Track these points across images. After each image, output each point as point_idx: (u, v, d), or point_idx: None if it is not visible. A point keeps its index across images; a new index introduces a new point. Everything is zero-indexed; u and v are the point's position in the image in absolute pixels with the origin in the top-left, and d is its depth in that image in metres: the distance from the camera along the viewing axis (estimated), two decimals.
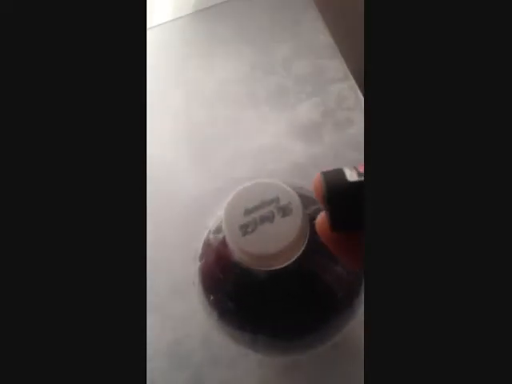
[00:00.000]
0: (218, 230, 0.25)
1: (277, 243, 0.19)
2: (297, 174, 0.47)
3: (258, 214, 0.19)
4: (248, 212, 0.19)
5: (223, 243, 0.20)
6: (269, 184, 0.19)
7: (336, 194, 0.18)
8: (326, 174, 0.19)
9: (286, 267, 0.20)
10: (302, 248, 0.19)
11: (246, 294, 0.24)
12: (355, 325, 0.29)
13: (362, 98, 0.50)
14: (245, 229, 0.19)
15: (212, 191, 0.45)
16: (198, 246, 0.27)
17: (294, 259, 0.20)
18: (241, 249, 0.19)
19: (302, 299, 0.24)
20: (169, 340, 0.40)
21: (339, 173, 0.19)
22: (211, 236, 0.26)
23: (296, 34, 0.53)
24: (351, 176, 0.18)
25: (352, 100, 0.50)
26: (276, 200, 0.19)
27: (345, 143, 0.48)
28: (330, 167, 0.47)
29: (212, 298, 0.25)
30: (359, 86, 0.50)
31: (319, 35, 0.53)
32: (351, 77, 0.51)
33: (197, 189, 0.46)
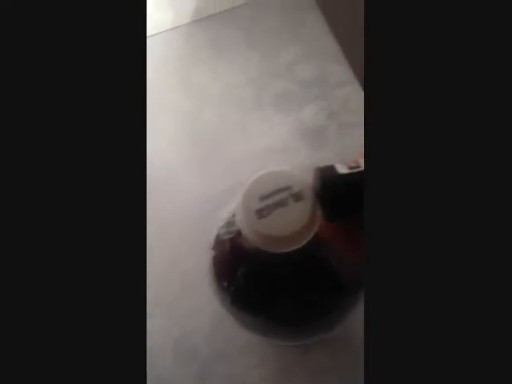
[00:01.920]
0: (231, 224, 0.26)
1: (290, 226, 0.20)
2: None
3: (272, 199, 0.20)
4: (264, 198, 0.20)
5: (237, 233, 0.21)
6: (283, 172, 0.21)
7: (326, 184, 0.20)
8: (318, 169, 0.20)
9: (296, 252, 0.21)
10: (313, 232, 0.20)
11: (257, 279, 0.25)
12: (359, 314, 0.29)
13: None
14: (260, 213, 0.20)
15: (217, 194, 0.45)
16: (211, 238, 0.28)
17: (305, 242, 0.21)
18: (256, 231, 0.20)
19: (310, 284, 0.25)
20: (175, 336, 0.41)
21: (330, 167, 0.20)
22: (225, 226, 0.27)
23: (301, 38, 0.54)
24: (341, 169, 0.20)
25: (357, 103, 0.50)
26: (290, 187, 0.20)
27: (350, 146, 0.49)
28: None
29: (225, 284, 0.26)
30: (364, 89, 0.51)
31: (324, 39, 0.54)
32: (355, 80, 0.51)
33: (202, 192, 0.47)
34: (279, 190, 0.20)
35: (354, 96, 0.51)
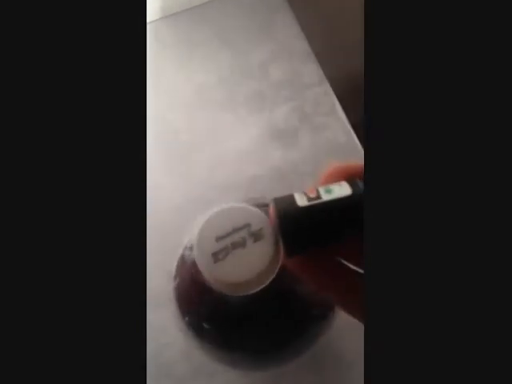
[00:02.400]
0: (192, 248, 0.25)
1: (249, 269, 0.19)
2: (276, 179, 0.47)
3: (229, 240, 0.19)
4: (219, 238, 0.19)
5: (196, 264, 0.20)
6: (240, 209, 0.19)
7: (285, 219, 0.18)
8: (276, 201, 0.19)
9: (259, 290, 0.20)
10: (275, 272, 0.19)
11: (221, 315, 0.24)
12: (332, 334, 0.29)
13: (338, 103, 0.50)
14: (216, 256, 0.19)
15: (190, 200, 0.45)
16: (173, 264, 0.27)
17: (267, 283, 0.20)
18: (213, 276, 0.19)
19: (277, 317, 0.24)
20: (149, 349, 0.40)
21: (289, 199, 0.19)
22: (186, 253, 0.26)
23: (272, 37, 0.53)
24: (301, 201, 0.19)
25: (327, 105, 0.50)
26: (248, 225, 0.19)
27: (322, 147, 0.48)
28: (308, 172, 0.47)
29: (187, 318, 0.25)
30: (334, 91, 0.50)
31: (295, 39, 0.53)
32: (326, 81, 0.51)
33: (175, 196, 0.46)
34: (236, 229, 0.19)
35: (325, 98, 0.50)
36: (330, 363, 0.38)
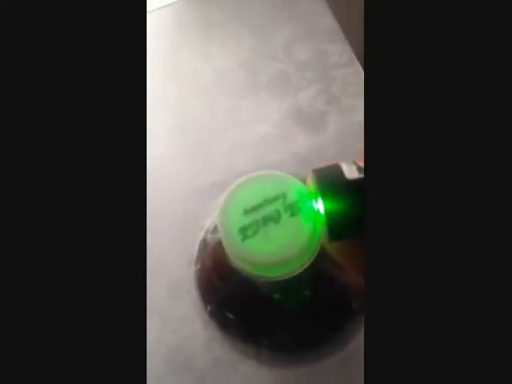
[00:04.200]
0: (216, 229, 0.22)
1: (283, 249, 0.16)
2: (300, 165, 0.45)
3: (260, 213, 0.16)
4: (248, 212, 0.16)
5: (221, 245, 0.17)
6: (273, 177, 0.16)
7: (331, 196, 0.15)
8: (318, 173, 0.16)
9: (294, 276, 0.17)
10: (314, 255, 0.16)
11: (247, 304, 0.21)
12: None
13: None
14: (244, 232, 0.16)
15: (211, 184, 0.43)
16: (194, 248, 0.25)
17: (304, 268, 0.17)
18: (240, 256, 0.16)
19: (312, 309, 0.21)
20: (168, 343, 0.38)
21: (335, 170, 0.16)
22: (208, 236, 0.23)
23: (296, 16, 0.50)
24: (350, 172, 0.15)
25: (357, 86, 0.47)
26: (282, 196, 0.16)
27: (350, 132, 0.46)
28: (334, 157, 0.45)
29: (209, 308, 0.23)
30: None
31: (320, 17, 0.50)
32: (356, 61, 0.48)
33: (195, 182, 0.44)
34: (269, 201, 0.16)
35: (354, 78, 0.47)
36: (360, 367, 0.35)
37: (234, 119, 0.47)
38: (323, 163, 0.46)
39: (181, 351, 0.38)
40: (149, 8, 0.52)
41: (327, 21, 0.50)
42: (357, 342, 0.25)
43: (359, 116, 0.46)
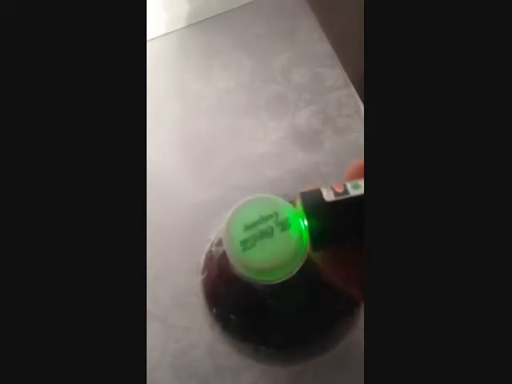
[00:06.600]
0: (220, 242, 0.25)
1: (276, 257, 0.19)
2: (297, 181, 0.47)
3: (257, 229, 0.19)
4: (248, 227, 0.19)
5: (225, 256, 0.21)
6: (267, 199, 0.20)
7: (312, 214, 0.19)
8: (303, 195, 0.19)
9: (286, 280, 0.20)
10: (302, 262, 0.20)
11: (248, 307, 0.25)
12: (358, 334, 0.29)
13: (362, 105, 0.50)
14: (245, 244, 0.19)
15: (213, 200, 0.45)
16: (201, 258, 0.28)
17: (294, 273, 0.20)
18: (242, 264, 0.19)
19: (303, 310, 0.24)
20: (172, 350, 0.40)
21: (316, 193, 0.19)
22: (213, 249, 0.26)
23: (294, 42, 0.53)
24: (328, 196, 0.19)
25: (352, 107, 0.50)
26: (275, 215, 0.20)
27: (345, 150, 0.48)
28: (330, 174, 0.48)
29: (215, 310, 0.26)
30: (359, 93, 0.51)
31: (317, 43, 0.53)
32: (350, 84, 0.51)
33: (197, 198, 0.46)
34: (264, 219, 0.20)
35: (349, 100, 0.50)
36: (353, 362, 0.38)
37: (234, 138, 0.49)
38: (318, 180, 0.48)
39: (184, 358, 0.40)
40: (155, 34, 0.55)
41: (324, 47, 0.52)
42: (347, 341, 0.28)
43: (353, 135, 0.49)
